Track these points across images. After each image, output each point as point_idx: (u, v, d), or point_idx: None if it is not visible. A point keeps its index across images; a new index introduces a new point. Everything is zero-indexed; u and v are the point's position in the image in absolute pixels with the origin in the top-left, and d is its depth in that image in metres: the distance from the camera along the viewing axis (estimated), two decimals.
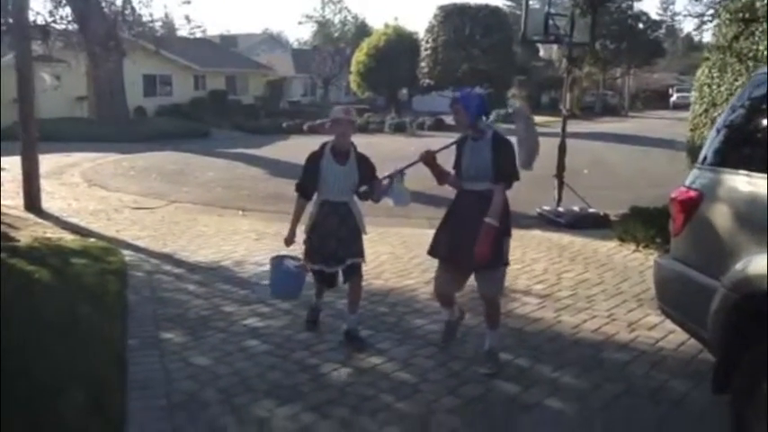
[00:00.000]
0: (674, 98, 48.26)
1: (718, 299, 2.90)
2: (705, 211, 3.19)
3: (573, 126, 26.42)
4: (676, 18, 46.15)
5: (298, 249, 4.64)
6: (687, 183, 3.41)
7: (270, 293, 5.01)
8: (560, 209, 9.26)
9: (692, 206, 3.26)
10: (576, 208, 9.23)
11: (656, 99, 50.44)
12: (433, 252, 4.29)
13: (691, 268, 3.25)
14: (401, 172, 4.35)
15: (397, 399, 3.73)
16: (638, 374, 4.08)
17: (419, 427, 3.41)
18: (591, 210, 9.16)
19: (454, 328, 4.55)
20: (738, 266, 2.80)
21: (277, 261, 4.69)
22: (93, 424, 3.31)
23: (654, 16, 43.11)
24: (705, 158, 3.37)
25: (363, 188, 4.46)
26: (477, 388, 3.87)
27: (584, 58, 34.70)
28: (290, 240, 4.54)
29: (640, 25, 41.56)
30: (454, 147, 4.22)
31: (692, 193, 3.30)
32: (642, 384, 3.93)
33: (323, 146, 4.49)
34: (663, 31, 45.33)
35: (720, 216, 3.09)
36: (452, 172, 4.20)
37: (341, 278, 4.57)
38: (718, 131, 3.37)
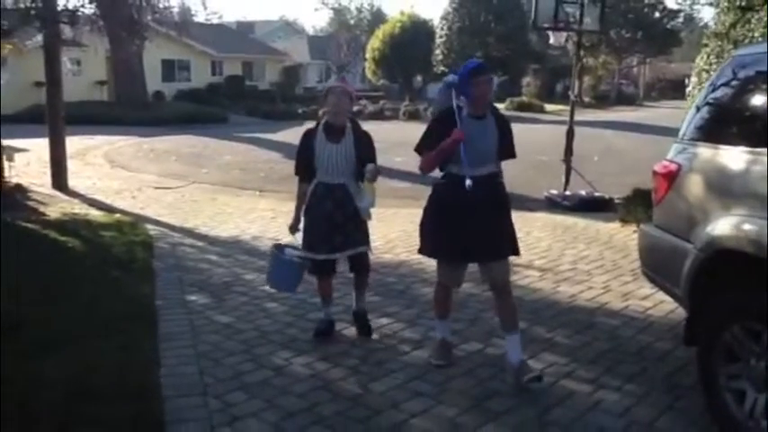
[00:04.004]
0: (689, 88, 47.93)
1: (690, 259, 3.23)
2: (682, 182, 3.52)
3: (586, 114, 26.69)
4: (695, 7, 45.69)
5: None
6: (668, 157, 3.73)
7: (267, 282, 4.57)
8: (567, 192, 9.56)
9: (672, 177, 3.59)
10: (582, 192, 9.52)
11: (672, 89, 50.21)
12: (441, 255, 3.80)
13: (668, 233, 3.58)
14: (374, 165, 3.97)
15: (402, 352, 4.10)
16: (626, 336, 4.42)
17: (420, 374, 3.76)
18: (597, 194, 9.46)
19: (450, 346, 4.02)
20: (707, 229, 3.13)
21: (278, 250, 4.33)
22: (134, 364, 3.73)
23: (672, 5, 42.82)
24: (685, 134, 3.69)
25: (371, 166, 3.96)
26: (476, 344, 4.22)
27: (597, 46, 34.71)
28: (294, 227, 4.23)
29: (656, 14, 41.36)
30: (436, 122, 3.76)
31: (672, 166, 3.62)
32: (629, 344, 4.27)
33: (318, 123, 4.16)
34: (680, 20, 45.04)
35: (694, 185, 3.42)
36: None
37: (340, 267, 4.31)
38: (698, 109, 3.69)
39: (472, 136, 3.57)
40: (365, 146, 4.08)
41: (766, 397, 2.79)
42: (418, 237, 3.93)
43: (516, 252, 3.79)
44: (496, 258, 3.67)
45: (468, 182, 3.47)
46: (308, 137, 4.11)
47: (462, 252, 3.70)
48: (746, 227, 2.90)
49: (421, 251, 3.91)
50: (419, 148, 3.79)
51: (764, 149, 2.92)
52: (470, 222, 3.59)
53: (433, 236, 3.77)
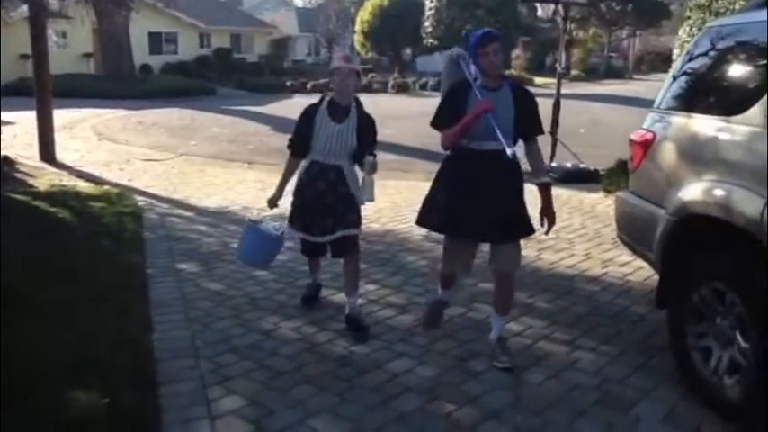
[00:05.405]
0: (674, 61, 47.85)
1: (662, 224, 3.36)
2: (656, 150, 3.64)
3: (575, 88, 26.72)
4: None
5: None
6: (644, 126, 3.84)
7: (237, 257, 4.58)
8: (553, 164, 9.68)
9: (647, 145, 3.71)
10: (568, 164, 9.65)
11: (662, 62, 50.14)
12: (448, 230, 3.60)
13: (643, 199, 3.71)
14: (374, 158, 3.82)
15: (388, 316, 4.24)
16: (603, 300, 4.58)
17: (404, 337, 3.90)
18: (582, 165, 9.59)
19: (441, 311, 4.03)
20: (679, 194, 3.26)
21: (252, 223, 4.29)
22: (128, 329, 3.85)
23: None
24: (660, 103, 3.80)
25: (371, 158, 3.81)
26: (458, 309, 4.36)
27: (587, 18, 34.58)
28: (273, 201, 4.08)
29: None
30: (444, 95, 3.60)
31: (647, 135, 3.74)
32: (606, 308, 4.43)
33: (322, 99, 4.01)
34: None
35: (668, 153, 3.54)
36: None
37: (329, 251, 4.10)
38: (674, 78, 3.79)
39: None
40: (367, 131, 3.91)
41: (729, 354, 2.95)
42: (420, 209, 3.72)
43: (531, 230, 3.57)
44: (506, 241, 3.48)
45: (509, 150, 3.26)
46: (310, 112, 3.93)
47: (472, 229, 3.48)
48: (715, 192, 3.02)
49: (423, 224, 3.71)
50: (437, 125, 3.58)
51: (735, 118, 3.03)
52: (482, 200, 3.42)
53: (441, 210, 3.56)
